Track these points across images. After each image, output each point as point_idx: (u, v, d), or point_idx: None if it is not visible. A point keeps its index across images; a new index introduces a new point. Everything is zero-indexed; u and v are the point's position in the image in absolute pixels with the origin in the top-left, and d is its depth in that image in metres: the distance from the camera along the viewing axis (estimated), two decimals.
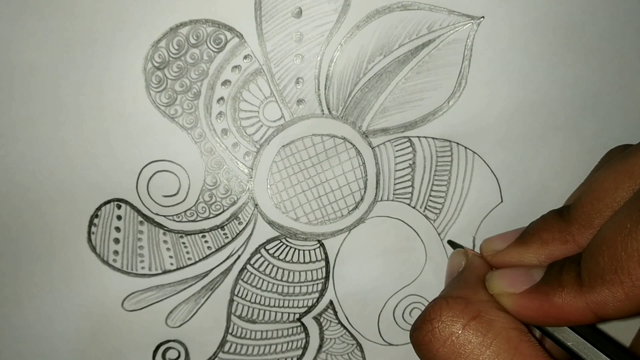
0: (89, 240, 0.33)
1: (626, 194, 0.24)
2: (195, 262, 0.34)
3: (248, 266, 0.34)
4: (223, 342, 0.34)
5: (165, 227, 0.33)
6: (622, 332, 0.33)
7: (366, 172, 0.34)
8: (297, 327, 0.35)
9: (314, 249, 0.34)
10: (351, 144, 0.34)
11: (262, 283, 0.34)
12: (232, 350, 0.34)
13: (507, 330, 0.24)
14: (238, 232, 0.34)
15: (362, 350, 0.35)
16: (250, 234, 0.34)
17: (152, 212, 0.33)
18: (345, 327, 0.35)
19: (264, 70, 0.33)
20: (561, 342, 0.25)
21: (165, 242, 0.33)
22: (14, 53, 0.31)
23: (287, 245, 0.34)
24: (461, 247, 0.32)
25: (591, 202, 0.25)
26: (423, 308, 0.34)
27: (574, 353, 0.25)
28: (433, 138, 0.34)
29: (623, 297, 0.22)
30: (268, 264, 0.34)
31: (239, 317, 0.34)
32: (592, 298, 0.22)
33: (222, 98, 0.33)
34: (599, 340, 0.25)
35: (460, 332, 0.24)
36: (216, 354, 0.34)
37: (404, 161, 0.34)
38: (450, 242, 0.34)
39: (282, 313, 0.35)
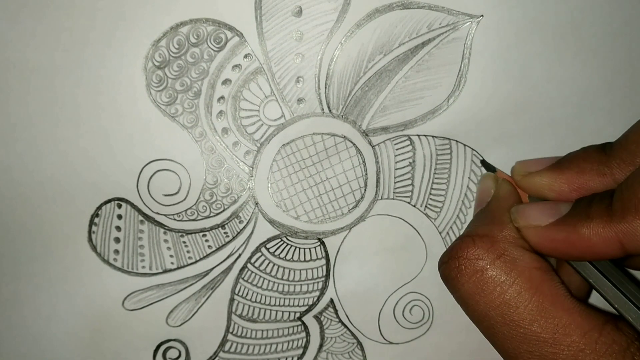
0: (90, 239, 0.33)
1: None
2: (196, 261, 0.34)
3: (249, 265, 0.34)
4: (224, 341, 0.34)
5: (165, 226, 0.33)
6: None
7: (366, 170, 0.34)
8: (297, 326, 0.35)
9: (315, 247, 0.34)
10: (351, 142, 0.34)
11: (263, 282, 0.34)
12: (232, 349, 0.34)
13: (530, 270, 0.25)
14: (239, 230, 0.34)
15: (362, 349, 0.35)
16: (251, 233, 0.34)
17: (153, 211, 0.33)
18: (345, 326, 0.35)
19: (264, 69, 0.33)
20: (583, 277, 0.26)
21: (165, 241, 0.33)
22: (13, 53, 0.31)
23: (287, 244, 0.34)
24: (494, 168, 0.31)
25: (636, 140, 0.25)
26: (423, 306, 0.35)
27: (595, 289, 0.25)
28: (433, 136, 0.34)
29: None
30: (269, 263, 0.34)
31: (240, 316, 0.34)
32: (622, 228, 0.22)
33: (222, 97, 0.33)
34: (619, 280, 0.25)
35: (484, 269, 0.25)
36: (217, 353, 0.34)
37: (404, 159, 0.34)
38: (484, 162, 0.33)
39: (283, 312, 0.35)
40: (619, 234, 0.22)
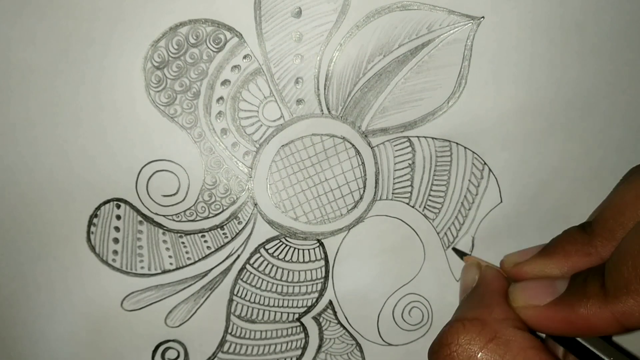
0: (88, 239, 0.33)
1: None
2: (195, 262, 0.34)
3: (247, 266, 0.34)
4: (222, 342, 0.34)
5: (164, 226, 0.33)
6: None
7: (365, 171, 0.34)
8: (296, 327, 0.35)
9: (314, 248, 0.34)
10: (350, 143, 0.34)
11: (262, 283, 0.34)
12: (231, 350, 0.34)
13: (525, 350, 0.24)
14: (237, 231, 0.34)
15: (361, 351, 0.35)
16: (250, 234, 0.34)
17: (152, 212, 0.33)
18: (344, 327, 0.35)
19: (263, 70, 0.33)
20: (583, 349, 0.26)
21: (164, 241, 0.33)
22: (13, 52, 0.31)
23: (286, 245, 0.34)
24: (466, 254, 0.33)
25: (613, 216, 0.26)
26: (423, 308, 0.35)
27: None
28: (433, 138, 0.34)
29: None
30: (267, 264, 0.34)
31: (239, 317, 0.34)
32: (617, 308, 0.23)
33: (221, 98, 0.33)
34: (616, 349, 0.25)
35: (478, 355, 0.25)
36: (215, 353, 0.34)
37: (404, 161, 0.34)
38: (456, 250, 0.34)
39: (282, 313, 0.35)
40: (616, 314, 0.23)
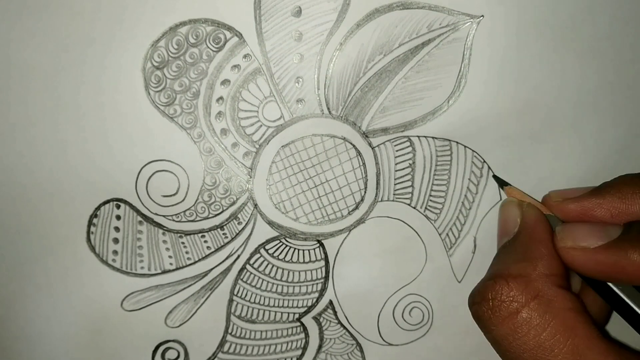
0: (88, 240, 0.33)
1: None
2: (195, 262, 0.34)
3: (247, 266, 0.34)
4: (222, 342, 0.34)
5: (164, 227, 0.33)
6: None
7: (366, 172, 0.34)
8: (296, 327, 0.35)
9: (314, 249, 0.34)
10: (351, 144, 0.34)
11: (262, 283, 0.34)
12: (231, 350, 0.34)
13: (565, 312, 0.24)
14: (237, 232, 0.34)
15: (361, 351, 0.35)
16: (250, 234, 0.34)
17: (152, 212, 0.33)
18: (344, 327, 0.35)
19: (263, 70, 0.33)
20: (617, 301, 0.25)
21: (164, 242, 0.33)
22: (13, 52, 0.31)
23: (286, 245, 0.34)
24: (507, 183, 0.31)
25: None
26: (423, 308, 0.34)
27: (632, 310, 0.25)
28: (433, 137, 0.34)
29: None
30: (267, 264, 0.34)
31: (239, 317, 0.34)
32: None
33: (221, 97, 0.33)
34: None
35: (519, 312, 0.25)
36: (215, 354, 0.34)
37: (404, 161, 0.34)
38: (496, 178, 0.32)
39: (282, 313, 0.34)
40: None
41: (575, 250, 0.25)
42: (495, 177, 0.33)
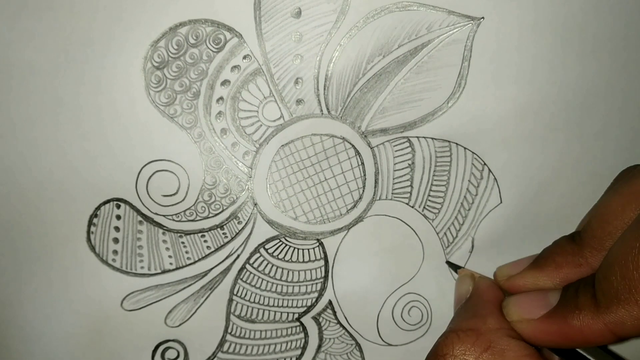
0: (88, 239, 0.33)
1: (633, 214, 0.25)
2: (195, 262, 0.34)
3: (247, 265, 0.34)
4: (222, 341, 0.34)
5: (164, 226, 0.33)
6: None
7: (365, 171, 0.34)
8: (296, 326, 0.35)
9: (313, 248, 0.34)
10: (350, 144, 0.34)
11: (262, 282, 0.34)
12: (231, 349, 0.34)
13: (520, 358, 0.25)
14: (237, 231, 0.34)
15: (361, 350, 0.35)
16: (250, 234, 0.34)
17: (152, 212, 0.33)
18: (344, 327, 0.35)
19: (263, 70, 0.33)
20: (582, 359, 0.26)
21: (164, 241, 0.33)
22: (13, 53, 0.31)
23: (286, 245, 0.34)
24: (459, 267, 0.33)
25: (600, 226, 0.26)
26: (422, 308, 0.35)
27: None
28: (432, 138, 0.34)
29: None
30: (267, 264, 0.34)
31: (238, 316, 0.34)
32: (609, 318, 0.23)
33: (221, 98, 0.33)
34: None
35: None
36: (215, 353, 0.34)
37: (403, 161, 0.34)
38: (449, 264, 0.34)
39: (282, 313, 0.35)
40: (608, 324, 0.23)
41: (522, 323, 0.26)
42: (448, 262, 0.35)
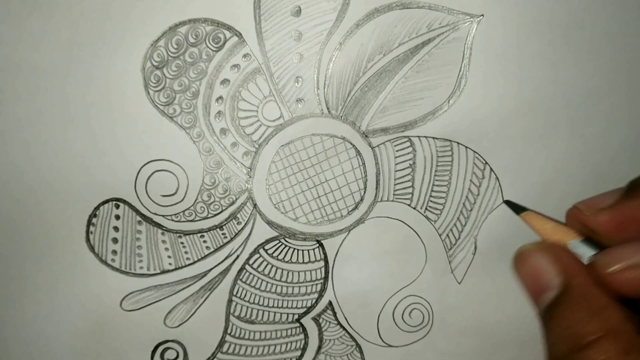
0: (87, 239, 0.33)
1: None
2: (194, 262, 0.34)
3: (247, 266, 0.34)
4: (222, 342, 0.34)
5: (163, 226, 0.33)
6: None
7: (366, 172, 0.34)
8: (296, 327, 0.35)
9: (313, 249, 0.34)
10: (351, 144, 0.33)
11: (261, 283, 0.34)
12: (230, 350, 0.34)
13: None
14: (237, 232, 0.34)
15: (361, 352, 0.35)
16: (249, 234, 0.34)
17: (151, 212, 0.33)
18: (344, 328, 0.35)
19: (263, 69, 0.32)
20: None
21: (163, 242, 0.33)
22: (12, 53, 0.31)
23: (286, 245, 0.34)
24: (524, 208, 0.28)
25: None
26: (423, 309, 0.34)
27: None
28: (433, 138, 0.33)
29: None
30: (267, 264, 0.34)
31: (238, 317, 0.34)
32: None
33: (220, 97, 0.33)
34: None
35: None
36: (215, 354, 0.34)
37: (404, 161, 0.34)
38: (509, 203, 0.30)
39: (281, 314, 0.34)
40: None
41: (629, 271, 0.22)
42: (507, 202, 0.32)
